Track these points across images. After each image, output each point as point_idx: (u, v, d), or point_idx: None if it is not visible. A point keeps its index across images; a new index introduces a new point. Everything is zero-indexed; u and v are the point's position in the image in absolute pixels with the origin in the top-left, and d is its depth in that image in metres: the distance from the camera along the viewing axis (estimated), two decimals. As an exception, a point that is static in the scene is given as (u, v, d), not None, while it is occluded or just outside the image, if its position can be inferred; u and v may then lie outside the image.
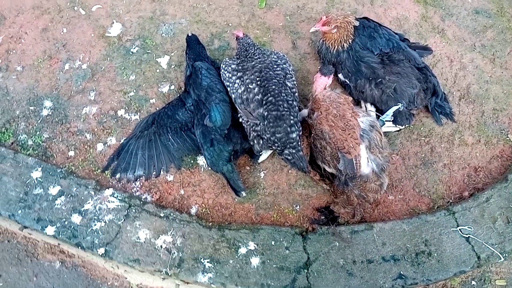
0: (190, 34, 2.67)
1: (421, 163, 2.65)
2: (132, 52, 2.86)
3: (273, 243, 2.30)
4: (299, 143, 2.28)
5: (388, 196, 2.55)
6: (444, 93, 2.76)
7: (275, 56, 2.42)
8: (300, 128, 2.31)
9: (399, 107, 2.52)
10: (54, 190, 2.40)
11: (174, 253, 2.26)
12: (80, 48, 2.85)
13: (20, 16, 2.95)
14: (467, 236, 2.35)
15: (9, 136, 2.60)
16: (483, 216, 2.41)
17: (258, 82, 2.29)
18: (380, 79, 2.58)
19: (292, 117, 2.25)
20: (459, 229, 2.36)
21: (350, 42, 2.67)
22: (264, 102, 2.26)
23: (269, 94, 2.26)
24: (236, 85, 2.34)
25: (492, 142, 2.73)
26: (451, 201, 2.55)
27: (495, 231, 2.37)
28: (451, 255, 2.30)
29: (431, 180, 2.61)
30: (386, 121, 2.55)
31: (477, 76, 2.93)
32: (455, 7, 3.19)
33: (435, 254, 2.30)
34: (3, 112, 2.66)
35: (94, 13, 2.97)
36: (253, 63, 2.36)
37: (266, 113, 2.25)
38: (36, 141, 2.59)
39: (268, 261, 2.26)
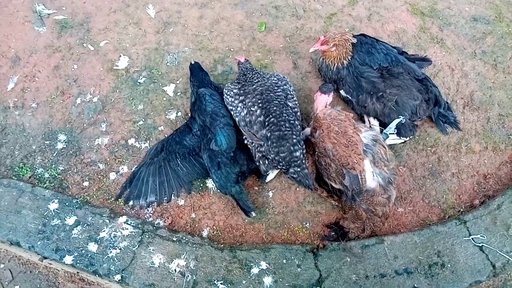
0: (193, 62, 2.78)
1: (429, 173, 2.66)
2: (139, 82, 2.98)
3: (284, 261, 2.33)
4: (303, 161, 2.32)
5: (397, 208, 2.56)
6: (447, 102, 2.78)
7: (275, 78, 2.49)
8: (304, 147, 2.36)
9: (401, 120, 2.55)
10: (70, 220, 2.49)
11: (188, 276, 2.30)
12: (90, 82, 2.98)
13: (33, 55, 3.10)
14: (480, 245, 2.33)
15: (26, 170, 2.72)
16: (496, 224, 2.39)
17: (260, 104, 2.36)
18: (381, 93, 2.62)
19: (294, 136, 2.30)
20: (472, 238, 2.35)
21: (349, 59, 2.72)
22: (266, 123, 2.32)
23: (270, 116, 2.32)
24: (238, 108, 2.41)
25: (500, 148, 2.72)
26: (461, 210, 2.54)
27: (509, 238, 2.34)
28: (465, 265, 2.28)
29: (440, 190, 2.61)
30: (389, 134, 2.58)
31: (480, 82, 2.94)
32: (453, 16, 3.22)
33: (449, 265, 2.28)
34: (21, 148, 2.79)
35: (103, 48, 3.11)
36: (254, 86, 2.44)
37: (269, 134, 2.31)
38: (52, 173, 2.70)
39: (281, 280, 2.28)
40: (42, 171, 2.72)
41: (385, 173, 2.31)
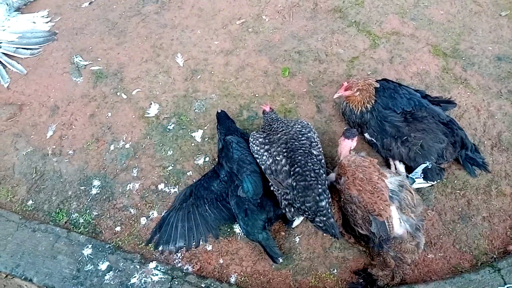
0: (219, 111, 2.89)
1: (459, 217, 2.61)
2: (169, 129, 3.11)
3: (312, 310, 2.31)
4: (329, 210, 2.34)
5: (427, 254, 2.51)
6: (474, 144, 2.76)
7: (299, 126, 2.55)
8: (329, 195, 2.38)
9: (427, 165, 2.54)
10: (103, 266, 2.57)
11: (216, 324, 2.31)
12: (123, 130, 3.14)
13: (71, 104, 3.31)
14: (516, 294, 2.25)
15: (62, 216, 2.85)
16: (532, 272, 2.31)
17: (285, 154, 2.42)
18: (405, 137, 2.63)
19: (320, 186, 2.33)
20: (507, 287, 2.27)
21: (373, 103, 2.76)
22: (292, 173, 2.37)
23: (296, 165, 2.37)
24: (264, 157, 2.47)
25: (532, 191, 2.66)
26: (495, 256, 2.47)
27: (547, 287, 2.25)
28: (501, 316, 2.20)
29: (471, 235, 2.55)
30: (416, 178, 2.56)
31: (508, 123, 2.91)
32: (476, 56, 3.23)
33: (484, 317, 2.21)
34: (58, 193, 2.94)
35: (135, 97, 3.28)
36: (279, 135, 2.51)
37: (294, 184, 2.35)
38: (86, 219, 2.82)
39: (309, 329, 2.26)
40: (77, 216, 2.84)
41: (413, 220, 2.30)
